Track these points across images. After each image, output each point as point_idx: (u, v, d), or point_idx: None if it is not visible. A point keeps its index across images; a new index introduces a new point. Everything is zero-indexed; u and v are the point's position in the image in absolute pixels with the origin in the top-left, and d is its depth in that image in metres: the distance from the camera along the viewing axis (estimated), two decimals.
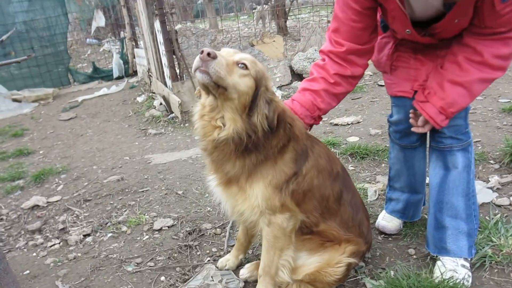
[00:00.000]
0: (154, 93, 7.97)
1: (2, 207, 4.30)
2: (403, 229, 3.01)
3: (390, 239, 2.99)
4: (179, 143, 5.65)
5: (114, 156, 5.45)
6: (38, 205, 4.21)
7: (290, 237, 2.25)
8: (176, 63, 6.59)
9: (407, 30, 2.18)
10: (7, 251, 3.46)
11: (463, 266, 2.42)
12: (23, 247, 3.49)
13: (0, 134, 7.21)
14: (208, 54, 1.81)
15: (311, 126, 2.49)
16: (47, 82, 10.24)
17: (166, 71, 6.83)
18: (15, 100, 9.32)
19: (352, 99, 6.33)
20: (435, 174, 2.51)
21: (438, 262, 2.49)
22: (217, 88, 1.88)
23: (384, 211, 3.10)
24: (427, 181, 3.03)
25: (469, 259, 2.50)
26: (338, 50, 2.34)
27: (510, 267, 2.48)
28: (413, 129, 2.39)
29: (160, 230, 3.43)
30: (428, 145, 2.67)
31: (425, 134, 2.60)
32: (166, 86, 7.03)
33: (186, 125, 6.33)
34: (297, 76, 7.49)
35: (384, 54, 2.53)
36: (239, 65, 1.94)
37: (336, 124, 5.31)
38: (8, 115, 8.64)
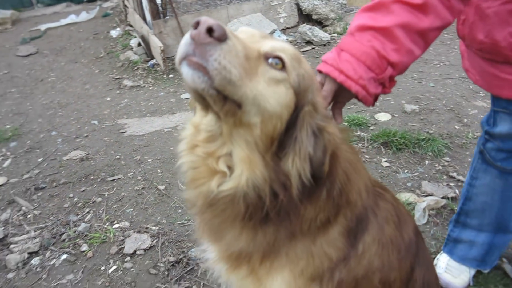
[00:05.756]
0: (131, 26, 6.65)
1: None
2: (472, 287, 2.17)
3: None
4: (161, 103, 4.54)
5: (80, 117, 4.35)
6: None
7: None
8: None
9: None
10: None
11: None
12: None
13: None
14: (210, 30, 0.88)
15: (375, 98, 1.36)
16: (5, 3, 8.66)
17: (145, 3, 5.51)
18: None
19: None
20: None
21: None
22: (222, 102, 0.97)
23: (445, 256, 2.23)
24: None
25: None
26: None
27: None
28: None
29: (133, 255, 2.51)
30: None
31: None
32: (146, 22, 5.74)
33: (170, 76, 5.17)
34: (306, 17, 6.22)
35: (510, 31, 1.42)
36: (270, 60, 1.04)
37: None
38: None
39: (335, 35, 6.00)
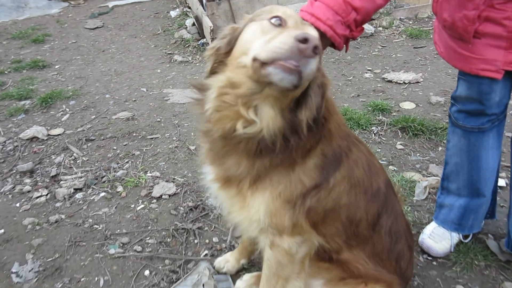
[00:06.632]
0: (189, 8, 7.10)
1: (1, 133, 3.88)
2: (453, 253, 2.36)
3: (434, 263, 2.36)
4: None
5: (131, 84, 4.84)
6: (37, 137, 3.76)
7: (302, 264, 1.69)
8: None
9: None
10: None
11: None
12: (8, 193, 3.07)
13: (22, 37, 6.69)
14: (315, 48, 1.16)
15: (347, 40, 1.62)
16: None
17: None
18: None
19: (415, 48, 5.31)
20: None
21: None
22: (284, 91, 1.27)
23: (433, 223, 2.45)
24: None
25: None
26: None
27: None
28: None
29: (159, 198, 2.91)
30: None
31: (501, 112, 1.99)
32: (201, 4, 6.15)
33: None
34: None
35: (466, 14, 1.68)
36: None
37: (389, 81, 4.41)
38: (36, 14, 8.06)
39: (380, 28, 6.12)
